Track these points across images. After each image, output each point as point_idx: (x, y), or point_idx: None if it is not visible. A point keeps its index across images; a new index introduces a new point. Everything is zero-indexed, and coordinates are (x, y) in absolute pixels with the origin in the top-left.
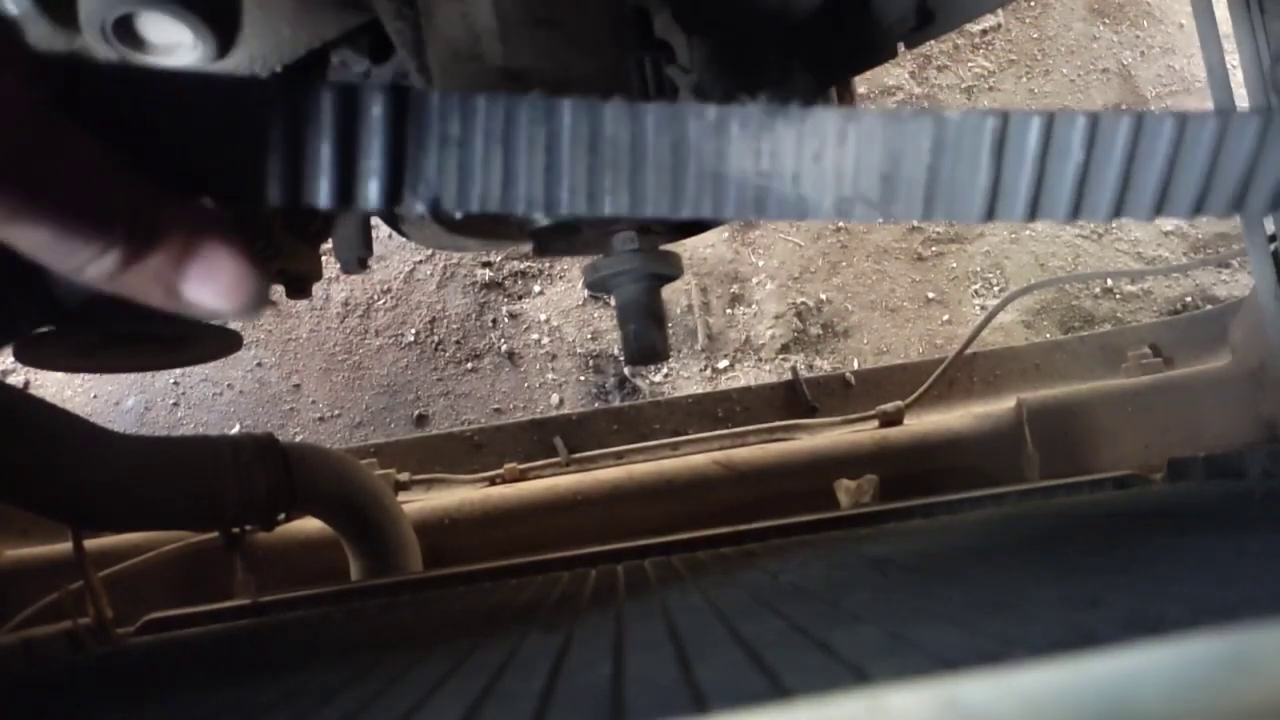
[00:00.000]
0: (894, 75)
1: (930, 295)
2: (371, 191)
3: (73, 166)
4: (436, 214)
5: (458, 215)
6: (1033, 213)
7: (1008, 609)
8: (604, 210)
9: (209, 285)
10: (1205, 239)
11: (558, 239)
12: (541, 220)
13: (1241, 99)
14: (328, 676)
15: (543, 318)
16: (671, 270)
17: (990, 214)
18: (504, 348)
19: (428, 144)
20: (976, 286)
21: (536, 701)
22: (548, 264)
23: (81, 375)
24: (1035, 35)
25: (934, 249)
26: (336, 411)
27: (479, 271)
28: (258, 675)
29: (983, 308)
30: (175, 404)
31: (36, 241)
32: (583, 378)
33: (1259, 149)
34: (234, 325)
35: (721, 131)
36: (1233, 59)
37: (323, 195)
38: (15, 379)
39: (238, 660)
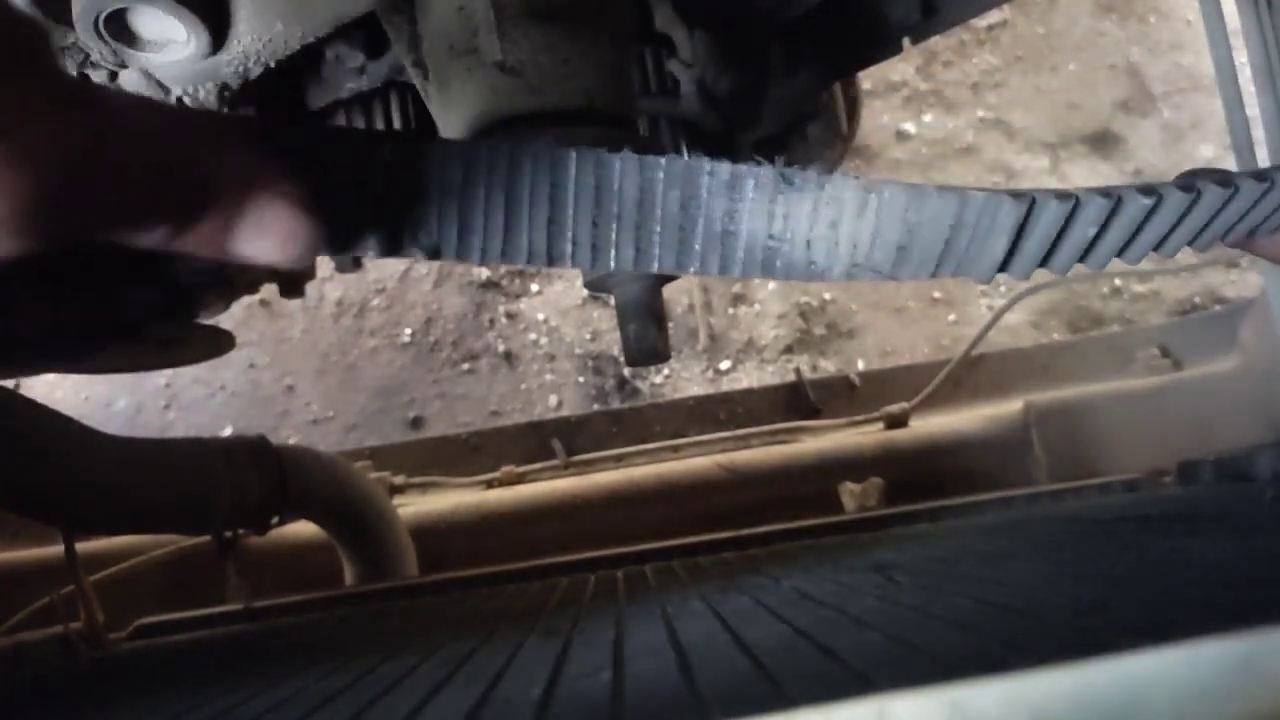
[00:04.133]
0: (899, 71)
1: (936, 295)
2: (373, 242)
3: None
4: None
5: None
6: (1030, 274)
7: (1015, 614)
8: (609, 265)
9: (260, 241)
10: None
11: None
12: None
13: (1250, 96)
14: (322, 683)
15: (541, 318)
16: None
17: (994, 278)
18: (501, 348)
19: (429, 191)
20: (983, 286)
21: (535, 710)
22: None
23: (72, 376)
24: (1042, 31)
25: None
26: (330, 413)
27: (476, 270)
28: (250, 682)
29: (990, 308)
30: (166, 406)
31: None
32: (582, 379)
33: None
34: (225, 326)
35: (735, 191)
36: (1241, 56)
37: (328, 245)
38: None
39: (230, 666)
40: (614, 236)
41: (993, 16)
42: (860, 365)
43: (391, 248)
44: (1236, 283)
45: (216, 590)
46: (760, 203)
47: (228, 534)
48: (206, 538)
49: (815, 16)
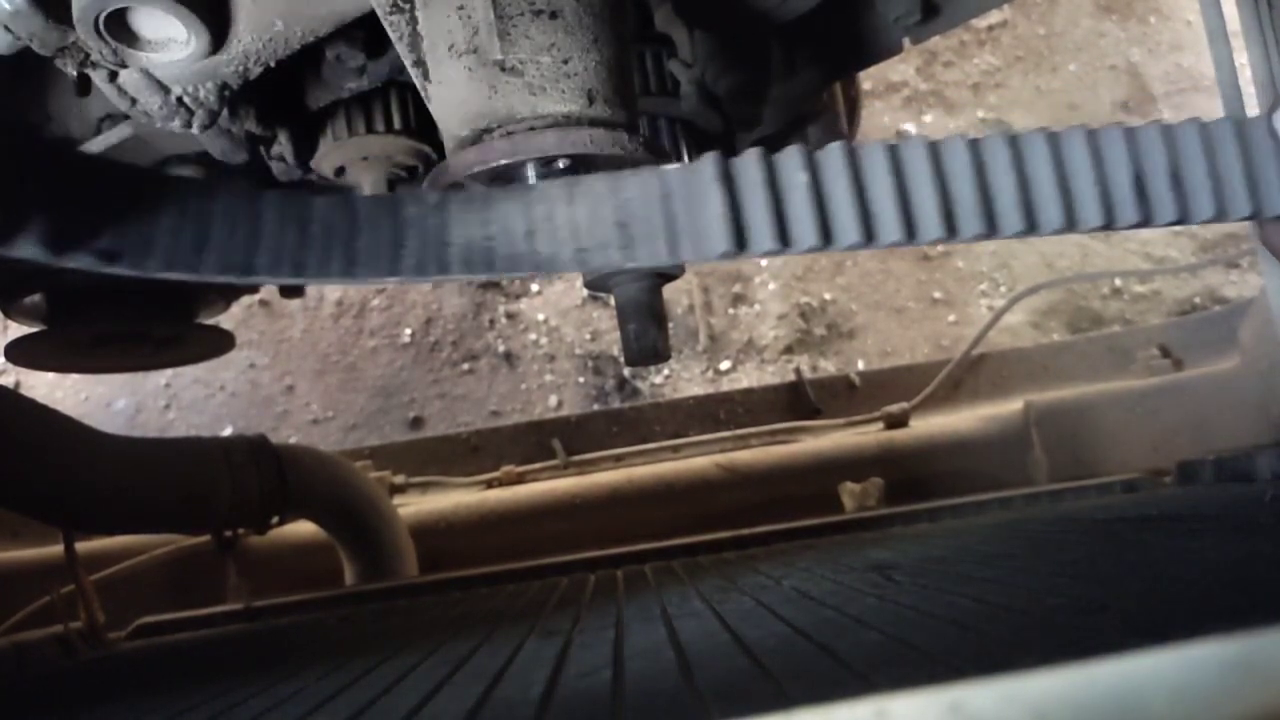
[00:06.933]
0: (899, 71)
1: (937, 295)
2: (32, 246)
3: None
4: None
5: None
6: (783, 241)
7: (1015, 614)
8: (315, 280)
9: None
10: (1214, 239)
11: None
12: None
13: (1250, 96)
14: (322, 683)
15: (541, 318)
16: (673, 269)
17: (741, 245)
18: (501, 348)
19: (106, 203)
20: (983, 286)
21: (535, 710)
22: None
23: (72, 376)
24: (1042, 31)
25: (941, 249)
26: (330, 413)
27: None
28: (251, 681)
29: (990, 308)
30: (167, 406)
31: None
32: (582, 379)
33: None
34: (226, 326)
35: (442, 210)
36: (1241, 56)
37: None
38: (6, 380)
39: (230, 666)
40: (319, 255)
41: (993, 17)
42: (860, 365)
43: (56, 253)
44: (1236, 283)
45: (216, 590)
46: (469, 213)
47: (228, 534)
48: (206, 538)
49: (815, 16)
